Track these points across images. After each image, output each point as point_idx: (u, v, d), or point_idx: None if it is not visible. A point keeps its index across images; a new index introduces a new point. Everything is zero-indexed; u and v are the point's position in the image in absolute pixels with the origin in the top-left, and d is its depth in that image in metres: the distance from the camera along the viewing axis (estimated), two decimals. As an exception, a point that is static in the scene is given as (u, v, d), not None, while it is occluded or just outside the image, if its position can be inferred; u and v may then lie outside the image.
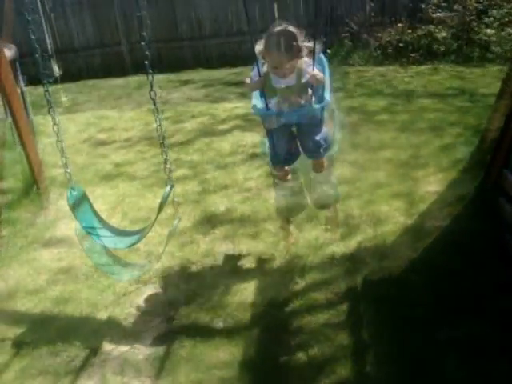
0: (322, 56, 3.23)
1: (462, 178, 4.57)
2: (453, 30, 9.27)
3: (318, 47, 2.90)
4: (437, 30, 9.29)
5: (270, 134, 3.22)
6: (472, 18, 9.16)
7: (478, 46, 9.03)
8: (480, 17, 9.17)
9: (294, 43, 2.85)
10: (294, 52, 2.85)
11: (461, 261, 3.44)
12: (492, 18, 9.08)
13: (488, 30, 9.02)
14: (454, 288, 3.21)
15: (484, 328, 2.87)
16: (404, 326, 2.97)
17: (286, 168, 3.55)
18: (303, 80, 2.94)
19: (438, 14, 9.34)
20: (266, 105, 3.03)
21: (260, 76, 2.94)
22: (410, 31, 9.38)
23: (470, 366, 2.65)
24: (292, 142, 3.20)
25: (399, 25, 9.56)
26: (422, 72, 8.46)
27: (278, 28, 2.89)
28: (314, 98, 3.03)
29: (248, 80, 3.09)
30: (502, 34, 8.86)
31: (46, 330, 3.24)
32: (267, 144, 3.33)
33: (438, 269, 3.42)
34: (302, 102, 3.00)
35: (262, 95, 3.02)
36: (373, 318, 3.07)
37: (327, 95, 3.01)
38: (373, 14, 9.94)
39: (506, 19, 8.96)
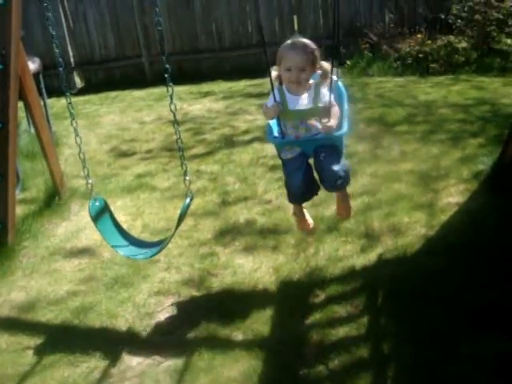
0: (340, 84, 3.15)
1: (483, 189, 4.53)
2: (473, 40, 9.20)
3: (334, 71, 2.84)
4: (457, 41, 9.23)
5: (285, 165, 3.06)
6: (492, 28, 9.09)
7: (498, 55, 8.95)
8: (500, 27, 9.10)
9: (310, 47, 2.82)
10: (310, 56, 2.80)
11: (486, 273, 3.40)
12: (512, 28, 9.02)
13: (508, 40, 8.94)
14: (479, 302, 3.16)
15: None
16: (426, 340, 2.93)
17: (307, 216, 3.36)
18: (320, 104, 2.87)
19: (458, 25, 9.30)
20: (282, 132, 2.95)
21: (275, 100, 2.86)
22: (429, 42, 9.33)
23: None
24: (310, 175, 2.99)
25: (419, 35, 9.52)
26: (442, 82, 8.40)
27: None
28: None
29: (264, 107, 2.99)
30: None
31: (66, 341, 3.26)
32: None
33: (460, 282, 3.37)
34: (320, 127, 2.89)
35: (278, 122, 2.94)
36: (394, 332, 3.04)
37: (345, 124, 2.94)
38: (392, 24, 9.92)
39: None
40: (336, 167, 2.88)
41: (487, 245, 3.73)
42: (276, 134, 3.06)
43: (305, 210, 3.36)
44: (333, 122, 2.83)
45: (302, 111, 2.89)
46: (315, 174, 2.99)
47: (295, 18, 10.42)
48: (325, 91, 2.86)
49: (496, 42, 9.04)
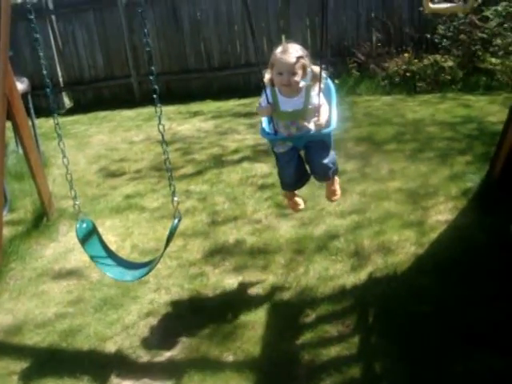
0: (329, 82, 3.33)
1: (472, 206, 4.55)
2: (459, 59, 9.32)
3: (324, 72, 3.05)
4: (443, 60, 9.33)
5: (278, 158, 3.32)
6: (477, 47, 9.22)
7: (483, 74, 9.06)
8: (485, 46, 9.23)
9: (301, 52, 3.00)
10: (301, 61, 2.96)
11: (477, 290, 3.40)
12: (497, 47, 9.14)
13: (493, 59, 9.06)
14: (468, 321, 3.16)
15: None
16: (418, 358, 2.92)
17: (297, 199, 3.58)
18: (310, 106, 3.06)
19: (444, 44, 9.42)
20: (275, 129, 3.18)
21: (268, 102, 3.07)
22: (416, 61, 9.43)
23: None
24: (301, 166, 3.28)
25: (406, 55, 9.62)
26: (430, 101, 8.48)
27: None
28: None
29: (258, 105, 3.24)
30: (507, 62, 8.89)
31: (53, 364, 3.21)
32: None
33: (451, 299, 3.37)
34: (310, 126, 3.10)
35: (271, 120, 3.18)
36: (385, 351, 3.02)
37: (334, 121, 3.15)
38: (379, 44, 10.03)
39: (511, 48, 9.00)
40: (325, 160, 3.17)
41: (477, 262, 3.74)
42: (269, 130, 3.27)
43: (296, 196, 3.60)
44: (322, 120, 3.06)
45: (293, 112, 3.09)
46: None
47: (283, 37, 10.51)
48: (315, 93, 3.04)
49: (481, 60, 9.15)
